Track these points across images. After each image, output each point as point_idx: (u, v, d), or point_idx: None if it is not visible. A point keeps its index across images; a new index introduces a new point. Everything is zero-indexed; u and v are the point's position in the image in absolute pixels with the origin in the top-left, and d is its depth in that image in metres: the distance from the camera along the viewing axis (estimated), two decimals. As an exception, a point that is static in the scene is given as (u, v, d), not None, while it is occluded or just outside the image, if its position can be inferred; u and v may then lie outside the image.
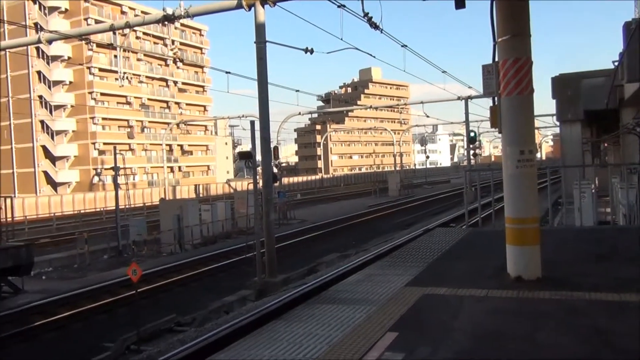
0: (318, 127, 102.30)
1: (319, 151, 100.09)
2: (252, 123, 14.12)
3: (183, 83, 76.85)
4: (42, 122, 63.77)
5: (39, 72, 63.54)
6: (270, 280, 13.13)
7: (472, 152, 38.58)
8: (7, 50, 38.32)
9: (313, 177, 75.66)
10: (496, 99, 6.76)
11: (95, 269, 17.76)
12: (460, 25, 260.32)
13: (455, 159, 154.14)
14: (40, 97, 63.09)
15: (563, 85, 21.09)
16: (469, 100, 37.20)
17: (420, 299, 6.10)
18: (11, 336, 10.75)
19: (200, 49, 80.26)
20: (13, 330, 10.96)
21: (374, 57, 20.98)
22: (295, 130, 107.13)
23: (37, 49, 60.35)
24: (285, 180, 52.41)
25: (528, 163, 6.48)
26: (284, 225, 25.95)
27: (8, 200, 14.64)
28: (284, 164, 55.48)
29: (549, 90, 20.60)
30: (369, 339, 4.84)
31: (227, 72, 23.63)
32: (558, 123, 22.95)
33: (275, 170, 21.52)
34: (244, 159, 15.42)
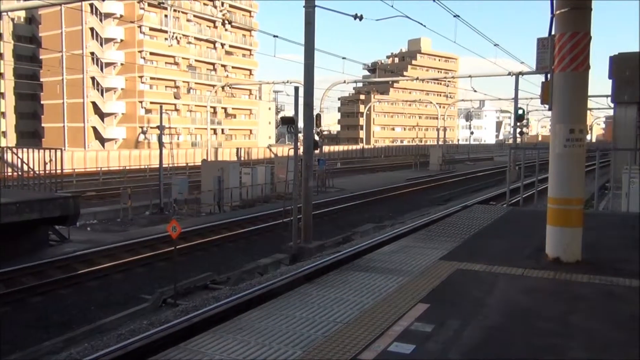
0: (362, 96, 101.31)
1: (362, 121, 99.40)
2: (296, 89, 14.08)
3: (230, 46, 76.99)
4: (93, 78, 65.34)
5: (91, 29, 64.78)
6: (305, 245, 13.31)
7: (519, 130, 37.53)
8: (62, 4, 39.08)
9: (354, 147, 75.39)
10: (549, 75, 6.53)
11: (137, 223, 18.32)
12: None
13: (501, 137, 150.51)
14: (92, 53, 64.49)
15: (622, 65, 20.15)
16: (520, 76, 36.02)
17: (454, 274, 6.08)
18: (58, 281, 11.28)
19: (249, 11, 79.95)
20: (60, 276, 11.50)
21: (424, 26, 20.47)
22: (339, 98, 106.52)
23: (91, 5, 61.49)
24: (326, 148, 52.39)
25: (577, 142, 6.27)
26: (322, 193, 26.03)
27: (58, 153, 15.10)
28: (325, 132, 55.40)
29: (606, 70, 19.72)
30: (399, 308, 4.87)
31: (274, 36, 23.70)
32: (612, 105, 22.03)
33: (316, 137, 21.49)
34: (286, 124, 15.42)
